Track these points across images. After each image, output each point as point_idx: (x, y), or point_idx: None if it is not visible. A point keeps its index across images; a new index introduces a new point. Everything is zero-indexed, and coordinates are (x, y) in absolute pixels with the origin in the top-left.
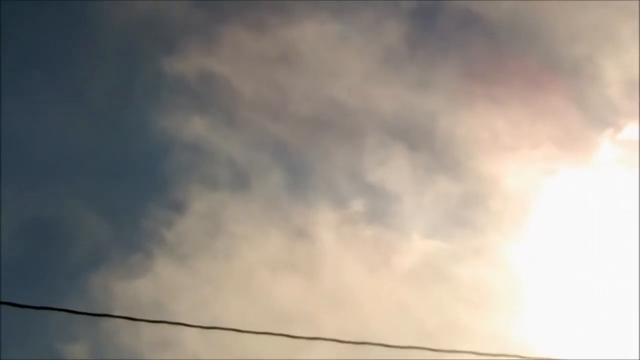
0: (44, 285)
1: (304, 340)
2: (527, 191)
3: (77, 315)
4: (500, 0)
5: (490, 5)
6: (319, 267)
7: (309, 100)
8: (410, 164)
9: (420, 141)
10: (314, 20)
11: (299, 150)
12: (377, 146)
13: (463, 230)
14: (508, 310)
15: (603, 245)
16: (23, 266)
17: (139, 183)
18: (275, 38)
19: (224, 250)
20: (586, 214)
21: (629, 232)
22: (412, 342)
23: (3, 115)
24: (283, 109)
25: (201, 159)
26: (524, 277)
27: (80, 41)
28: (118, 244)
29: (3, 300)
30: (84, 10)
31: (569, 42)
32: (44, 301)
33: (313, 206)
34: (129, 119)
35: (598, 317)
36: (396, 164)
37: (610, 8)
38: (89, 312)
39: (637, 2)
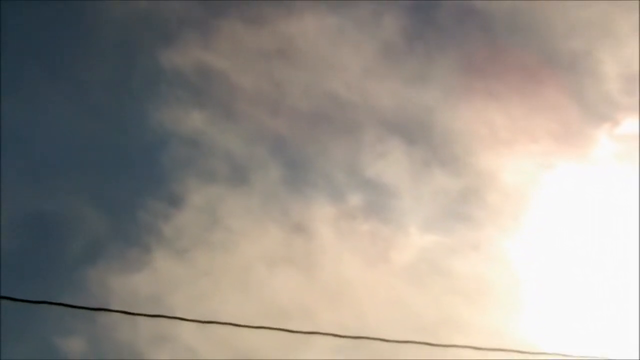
0: (41, 279)
1: (302, 335)
2: (525, 186)
3: (75, 310)
4: None
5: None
6: (317, 262)
7: (307, 94)
8: (408, 158)
9: (418, 136)
10: (312, 15)
11: (297, 145)
12: (375, 141)
13: (461, 224)
14: (506, 305)
15: (602, 241)
16: (20, 260)
17: (137, 177)
18: (273, 32)
19: (221, 244)
20: (584, 209)
21: (628, 228)
22: (410, 337)
23: (0, 110)
24: (281, 103)
25: (199, 152)
26: (522, 271)
27: (78, 35)
28: (115, 238)
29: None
30: (82, 4)
31: (568, 37)
32: (41, 295)
33: (311, 200)
34: (127, 112)
35: (597, 312)
36: (394, 158)
37: (609, 2)
38: (86, 306)
39: None
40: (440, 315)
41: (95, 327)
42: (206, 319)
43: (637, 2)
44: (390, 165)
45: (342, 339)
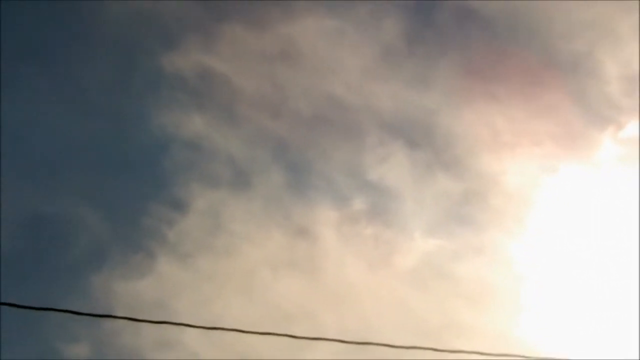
0: (45, 284)
1: (306, 340)
2: (527, 189)
3: (79, 315)
4: None
5: (489, 1)
6: (320, 266)
7: (309, 97)
8: (410, 161)
9: (420, 138)
10: (313, 17)
11: (299, 148)
12: (377, 144)
13: (464, 228)
14: (510, 309)
15: (604, 243)
16: (24, 265)
17: (139, 181)
18: (274, 35)
19: (225, 249)
20: (587, 212)
21: (629, 230)
22: (414, 341)
23: (2, 112)
24: (283, 107)
25: (201, 156)
26: (525, 275)
27: (80, 38)
28: (119, 243)
29: (3, 299)
30: (83, 7)
31: (568, 39)
32: (44, 300)
33: (314, 204)
34: (129, 116)
35: (599, 315)
36: (396, 161)
37: (610, 3)
38: (90, 312)
39: None
40: (444, 319)
41: (99, 333)
42: (210, 324)
43: (637, 2)
44: (393, 168)
45: (345, 343)
